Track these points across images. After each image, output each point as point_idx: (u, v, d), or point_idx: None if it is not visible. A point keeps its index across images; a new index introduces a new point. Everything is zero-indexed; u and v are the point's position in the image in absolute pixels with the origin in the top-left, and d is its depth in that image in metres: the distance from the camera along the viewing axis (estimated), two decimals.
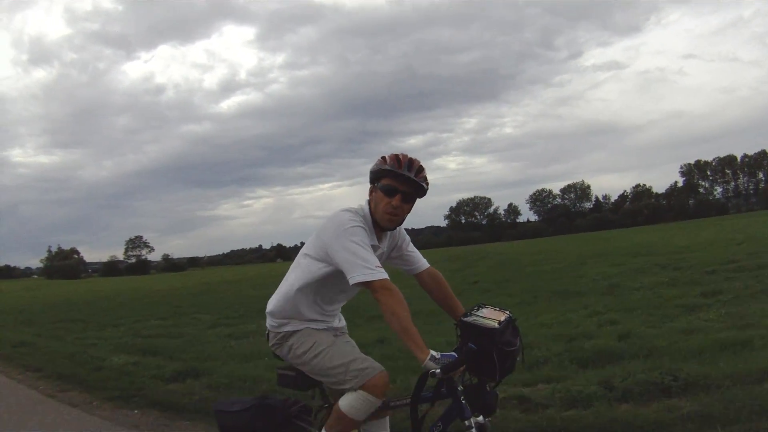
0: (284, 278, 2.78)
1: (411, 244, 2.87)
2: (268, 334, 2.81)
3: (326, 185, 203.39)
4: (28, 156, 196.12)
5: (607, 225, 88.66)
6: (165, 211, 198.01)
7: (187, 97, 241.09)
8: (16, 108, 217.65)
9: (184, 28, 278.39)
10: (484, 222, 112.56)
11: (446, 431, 2.49)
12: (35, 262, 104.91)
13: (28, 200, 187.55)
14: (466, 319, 2.42)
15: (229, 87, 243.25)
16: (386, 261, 2.78)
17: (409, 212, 2.63)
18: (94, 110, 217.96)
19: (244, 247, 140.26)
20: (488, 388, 2.45)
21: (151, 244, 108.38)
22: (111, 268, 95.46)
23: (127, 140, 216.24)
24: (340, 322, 2.91)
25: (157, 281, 40.32)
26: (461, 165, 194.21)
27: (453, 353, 2.32)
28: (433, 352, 2.27)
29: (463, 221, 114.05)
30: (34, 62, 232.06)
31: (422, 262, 2.87)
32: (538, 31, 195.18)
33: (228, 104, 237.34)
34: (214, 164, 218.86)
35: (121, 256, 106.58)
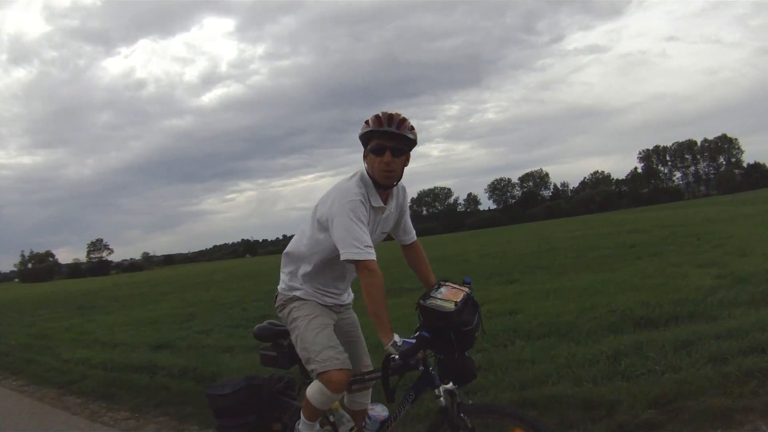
0: (295, 237, 2.85)
1: (408, 214, 2.93)
2: (276, 295, 2.88)
3: (309, 176, 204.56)
4: (11, 157, 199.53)
5: (559, 214, 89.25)
6: (150, 207, 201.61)
7: (169, 91, 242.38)
8: None
9: (164, 21, 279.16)
10: (450, 213, 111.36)
11: (418, 399, 2.63)
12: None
13: (11, 202, 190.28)
14: (423, 302, 2.42)
15: (210, 80, 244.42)
16: (394, 227, 2.85)
17: (405, 165, 2.65)
18: (75, 108, 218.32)
19: (227, 242, 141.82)
20: (459, 358, 2.46)
21: (110, 246, 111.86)
22: (74, 270, 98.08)
23: (109, 137, 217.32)
24: (348, 296, 2.96)
25: (61, 286, 42.21)
26: (444, 152, 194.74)
27: (413, 339, 2.38)
28: (396, 338, 2.39)
29: (423, 212, 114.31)
30: (14, 61, 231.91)
31: (413, 234, 2.94)
32: (520, 15, 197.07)
33: (209, 97, 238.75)
34: (197, 158, 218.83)
35: (108, 255, 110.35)
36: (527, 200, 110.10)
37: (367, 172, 2.63)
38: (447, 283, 2.57)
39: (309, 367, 2.64)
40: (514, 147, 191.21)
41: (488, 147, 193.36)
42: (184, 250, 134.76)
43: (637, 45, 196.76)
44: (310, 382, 2.70)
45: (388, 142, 2.54)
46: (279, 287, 2.88)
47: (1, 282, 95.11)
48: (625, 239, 16.66)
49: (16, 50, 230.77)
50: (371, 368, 2.91)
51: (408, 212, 2.90)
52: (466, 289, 2.53)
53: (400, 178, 2.67)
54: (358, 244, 2.43)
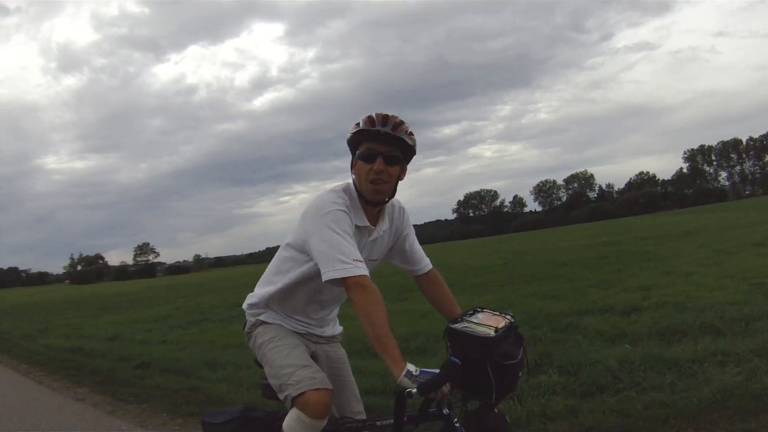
0: (264, 274, 2.38)
1: (415, 239, 2.42)
2: (245, 323, 2.41)
3: None
4: (63, 162, 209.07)
5: (603, 215, 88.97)
6: (202, 210, 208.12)
7: (220, 96, 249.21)
8: (47, 116, 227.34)
9: (213, 27, 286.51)
10: (496, 215, 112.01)
11: None
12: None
13: (64, 206, 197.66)
14: (454, 326, 1.92)
15: (261, 84, 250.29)
16: (388, 254, 2.39)
17: (399, 178, 2.17)
18: (126, 114, 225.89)
19: (279, 244, 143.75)
20: (495, 410, 1.99)
21: (157, 249, 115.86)
22: (121, 273, 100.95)
23: (161, 142, 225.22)
24: (332, 328, 2.48)
25: (102, 288, 44.09)
26: (497, 153, 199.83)
27: (436, 369, 1.81)
28: (411, 367, 1.81)
29: (470, 214, 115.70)
30: (64, 69, 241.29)
31: (425, 262, 2.42)
32: (569, 14, 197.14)
33: (261, 101, 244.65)
34: (249, 162, 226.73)
35: (155, 259, 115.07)
36: (573, 202, 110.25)
37: (354, 185, 2.16)
38: (485, 310, 2.08)
39: (282, 396, 2.12)
40: (566, 147, 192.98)
41: (541, 147, 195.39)
42: (237, 252, 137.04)
43: (686, 41, 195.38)
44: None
45: (381, 146, 2.07)
46: (246, 312, 2.41)
47: (53, 283, 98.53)
48: (555, 257, 16.88)
49: (66, 58, 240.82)
50: (363, 416, 2.37)
51: (412, 236, 2.40)
52: (509, 318, 2.03)
53: (394, 194, 2.19)
54: (345, 258, 1.94)
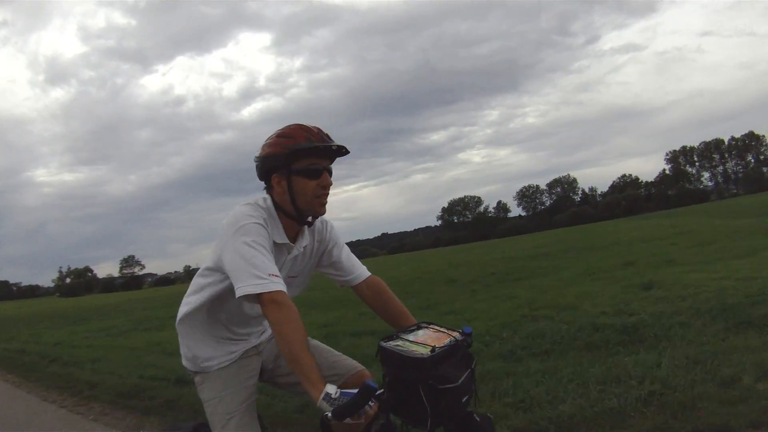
0: (184, 297, 2.22)
1: (346, 249, 2.31)
2: (186, 368, 2.28)
3: (352, 186, 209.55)
4: (52, 175, 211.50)
5: (585, 219, 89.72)
6: (193, 221, 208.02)
7: (208, 106, 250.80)
8: (36, 129, 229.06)
9: (200, 38, 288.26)
10: (479, 222, 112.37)
11: None
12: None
13: (54, 219, 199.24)
14: (386, 344, 1.74)
15: (249, 94, 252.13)
16: (318, 269, 2.30)
17: None
18: (115, 125, 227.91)
19: None
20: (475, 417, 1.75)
21: (142, 262, 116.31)
22: (108, 285, 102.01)
23: (150, 153, 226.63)
24: (263, 335, 2.34)
25: (85, 301, 44.92)
26: (486, 158, 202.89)
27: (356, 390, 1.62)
28: (330, 389, 1.67)
29: (455, 221, 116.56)
30: (52, 82, 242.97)
31: (360, 270, 2.28)
32: (555, 17, 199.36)
33: (249, 111, 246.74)
34: (238, 172, 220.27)
35: (144, 271, 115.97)
36: (557, 206, 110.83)
37: (274, 201, 2.04)
38: (431, 326, 1.89)
39: None
40: (555, 151, 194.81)
41: (530, 151, 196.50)
42: None
43: (672, 41, 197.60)
44: None
45: (324, 160, 2.01)
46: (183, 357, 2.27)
47: (43, 296, 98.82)
48: (454, 274, 16.73)
49: (53, 71, 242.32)
50: (359, 368, 2.25)
51: (341, 248, 2.28)
52: (456, 334, 1.79)
53: None
54: (260, 273, 1.83)
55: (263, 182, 2.09)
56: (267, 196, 2.09)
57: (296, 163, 1.98)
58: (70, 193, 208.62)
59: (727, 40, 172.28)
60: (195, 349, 2.21)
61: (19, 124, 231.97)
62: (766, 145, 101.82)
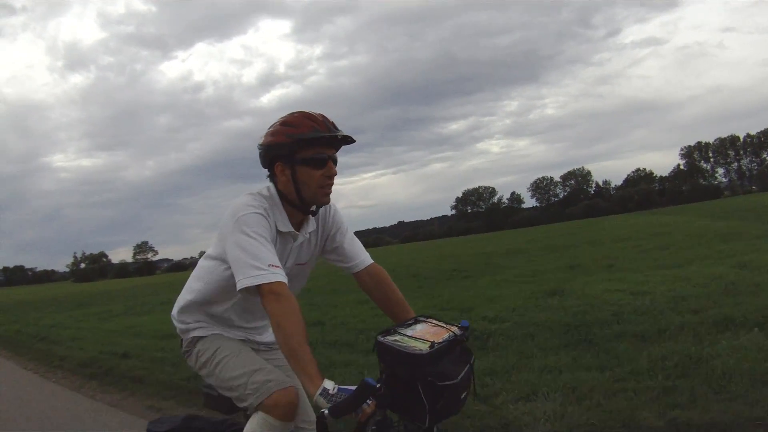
0: (187, 282, 2.28)
1: (350, 234, 2.29)
2: (181, 340, 2.30)
3: (369, 174, 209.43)
4: (70, 160, 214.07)
5: (598, 212, 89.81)
6: (210, 207, 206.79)
7: (227, 93, 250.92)
8: (55, 114, 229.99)
9: (220, 25, 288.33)
10: (492, 212, 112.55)
11: None
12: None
13: (71, 204, 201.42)
14: (384, 338, 1.71)
15: (268, 81, 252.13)
16: (321, 255, 2.30)
17: None
18: (134, 111, 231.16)
19: None
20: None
21: (155, 248, 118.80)
22: (122, 271, 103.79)
23: (169, 139, 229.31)
24: (265, 335, 2.36)
25: (97, 286, 46.58)
26: (504, 148, 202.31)
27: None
28: (328, 384, 1.65)
29: (468, 211, 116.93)
30: (71, 68, 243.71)
31: (363, 257, 2.27)
32: (576, 9, 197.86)
33: (268, 98, 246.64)
34: (256, 158, 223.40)
35: (160, 257, 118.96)
36: (570, 199, 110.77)
37: (278, 189, 2.05)
38: (429, 320, 1.87)
39: (243, 405, 2.05)
40: (573, 142, 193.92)
41: (548, 143, 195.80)
42: None
43: (693, 36, 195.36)
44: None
45: (330, 149, 2.00)
46: (177, 328, 2.31)
47: (59, 281, 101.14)
48: (417, 268, 17.40)
49: (72, 57, 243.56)
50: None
51: (345, 232, 2.26)
52: (455, 329, 1.79)
53: None
54: (260, 264, 1.83)
55: (266, 170, 2.09)
56: (270, 184, 2.09)
57: (301, 153, 1.97)
58: (87, 179, 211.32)
59: (749, 37, 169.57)
60: (200, 319, 2.23)
61: (38, 110, 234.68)
62: None
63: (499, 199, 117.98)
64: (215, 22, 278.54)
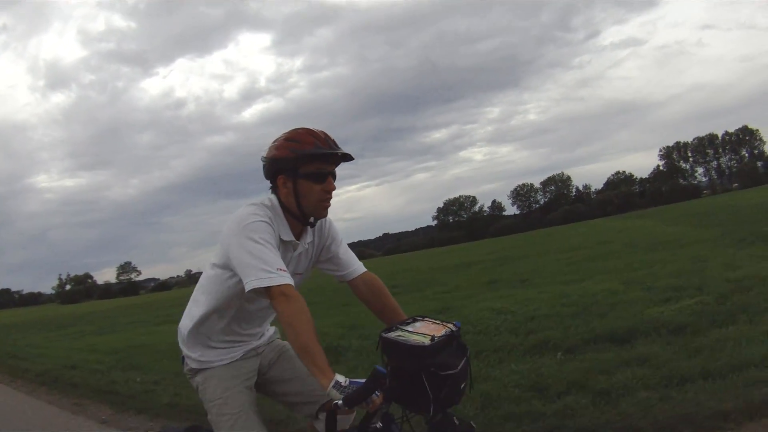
0: (192, 295, 2.37)
1: (344, 245, 2.43)
2: (182, 358, 2.40)
3: (353, 186, 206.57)
4: (53, 180, 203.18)
5: (578, 217, 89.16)
6: (195, 224, 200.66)
7: (209, 108, 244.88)
8: (37, 134, 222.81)
9: (200, 40, 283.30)
10: (473, 221, 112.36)
11: None
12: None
13: (56, 225, 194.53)
14: (387, 334, 1.89)
15: (249, 95, 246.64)
16: (316, 265, 2.41)
17: None
18: (116, 130, 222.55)
19: None
20: (455, 421, 1.88)
21: (138, 268, 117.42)
22: (106, 292, 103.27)
23: (152, 157, 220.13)
24: (268, 333, 2.50)
25: (79, 308, 47.71)
26: (487, 156, 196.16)
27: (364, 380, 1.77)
28: (339, 377, 1.80)
29: (450, 221, 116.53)
30: (52, 87, 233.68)
31: (356, 266, 2.40)
32: (555, 12, 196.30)
33: (250, 113, 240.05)
34: (240, 174, 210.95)
35: (145, 276, 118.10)
36: (552, 204, 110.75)
37: (280, 201, 2.17)
38: (425, 319, 2.04)
39: None
40: (556, 147, 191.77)
41: (531, 148, 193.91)
42: None
43: (673, 35, 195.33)
44: None
45: (330, 165, 2.13)
46: (181, 347, 2.40)
47: (45, 303, 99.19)
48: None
49: (54, 76, 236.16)
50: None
51: (340, 243, 2.39)
52: (450, 326, 1.96)
53: None
54: (268, 268, 1.94)
55: (268, 181, 2.19)
56: (272, 196, 2.19)
57: (303, 167, 2.08)
58: (71, 199, 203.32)
59: (728, 33, 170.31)
60: (199, 349, 2.31)
61: (20, 130, 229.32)
62: (760, 139, 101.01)
63: (480, 208, 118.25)
64: (196, 36, 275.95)
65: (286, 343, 2.49)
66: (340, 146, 2.14)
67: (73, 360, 9.85)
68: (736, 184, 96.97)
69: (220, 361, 2.33)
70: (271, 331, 2.55)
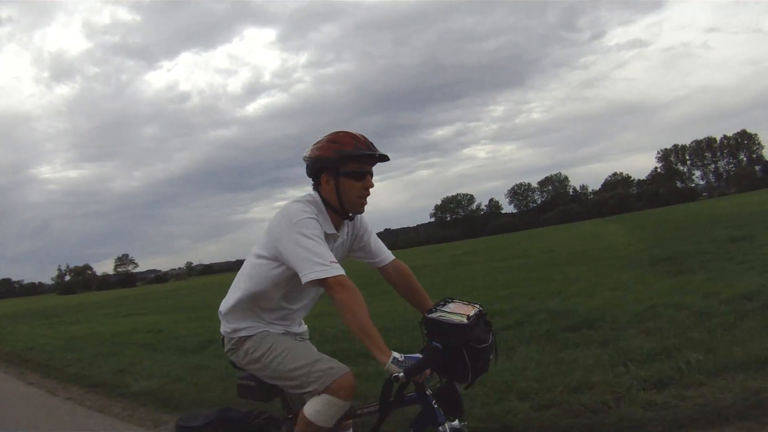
0: (235, 281, 2.53)
1: (374, 235, 2.66)
2: (222, 339, 2.57)
3: None
4: (57, 172, 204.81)
5: (574, 217, 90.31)
6: (198, 217, 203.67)
7: (213, 102, 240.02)
8: (41, 125, 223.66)
9: (205, 33, 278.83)
10: (469, 219, 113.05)
11: None
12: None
13: (59, 216, 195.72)
14: (430, 315, 2.18)
15: (254, 90, 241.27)
16: (348, 254, 2.63)
17: None
18: (120, 122, 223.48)
19: None
20: (459, 390, 2.25)
21: (136, 260, 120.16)
22: (104, 283, 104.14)
23: (155, 149, 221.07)
24: (300, 327, 2.68)
25: (74, 299, 49.44)
26: (490, 153, 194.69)
27: (418, 354, 2.07)
28: (396, 354, 2.05)
29: (448, 219, 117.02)
30: (56, 78, 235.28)
31: (386, 254, 2.65)
32: (561, 12, 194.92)
33: (254, 107, 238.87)
34: (244, 168, 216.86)
35: (146, 268, 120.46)
36: (548, 204, 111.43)
37: (321, 197, 2.38)
38: (455, 300, 2.33)
39: (304, 391, 2.35)
40: (560, 146, 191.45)
41: (535, 147, 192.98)
42: (232, 258, 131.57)
43: (679, 37, 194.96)
44: (293, 416, 2.48)
45: (368, 165, 2.36)
46: (222, 329, 2.56)
47: (46, 293, 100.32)
48: None
49: (58, 67, 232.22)
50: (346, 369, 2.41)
51: (371, 234, 2.63)
52: (478, 306, 2.28)
53: None
54: (323, 261, 2.14)
55: (311, 178, 2.44)
56: (314, 192, 2.42)
57: (344, 166, 2.31)
58: (74, 190, 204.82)
59: (734, 36, 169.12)
60: (248, 320, 2.49)
61: (24, 121, 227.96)
62: (758, 143, 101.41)
63: (478, 206, 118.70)
64: (200, 30, 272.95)
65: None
66: (377, 148, 2.38)
67: (34, 343, 11.26)
68: (732, 189, 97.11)
69: (274, 329, 2.51)
70: (304, 326, 2.75)
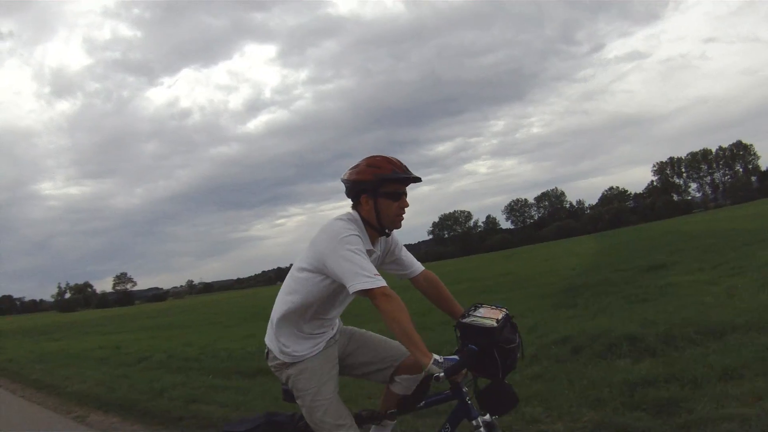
0: (279, 296, 2.70)
1: (404, 249, 2.84)
2: (267, 352, 2.75)
3: None
4: (58, 188, 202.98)
5: (570, 233, 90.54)
6: (199, 234, 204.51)
7: (214, 119, 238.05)
8: (42, 141, 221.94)
9: (206, 50, 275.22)
10: (466, 236, 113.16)
11: None
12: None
13: (60, 232, 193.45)
14: (464, 320, 2.40)
15: (254, 106, 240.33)
16: (380, 266, 2.75)
17: None
18: (121, 138, 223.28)
19: (279, 266, 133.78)
20: (500, 384, 2.41)
21: (134, 279, 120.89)
22: (102, 301, 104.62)
23: (156, 166, 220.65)
24: (333, 329, 2.83)
25: (70, 317, 51.27)
26: (491, 169, 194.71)
27: (455, 356, 2.28)
28: (436, 356, 2.23)
29: (445, 236, 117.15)
30: (57, 94, 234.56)
31: (417, 265, 2.84)
32: (559, 26, 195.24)
33: (255, 124, 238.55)
34: (245, 185, 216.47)
35: (131, 287, 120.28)
36: (546, 220, 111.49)
37: (360, 215, 2.58)
38: (484, 305, 2.54)
39: None
40: (560, 160, 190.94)
41: (536, 161, 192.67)
42: (233, 276, 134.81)
43: (677, 48, 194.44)
44: None
45: (402, 186, 2.56)
46: (267, 341, 2.75)
47: (47, 311, 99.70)
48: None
49: (59, 83, 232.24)
50: (406, 354, 2.74)
51: (401, 247, 2.81)
52: (505, 310, 2.49)
53: None
54: (368, 273, 2.33)
55: (351, 199, 2.63)
56: (353, 211, 2.61)
57: (382, 188, 2.51)
58: (75, 207, 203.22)
59: (731, 47, 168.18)
60: (291, 343, 2.66)
61: (25, 137, 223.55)
62: (754, 154, 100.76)
63: (475, 223, 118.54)
64: (201, 47, 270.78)
65: (350, 327, 2.95)
66: (411, 171, 2.57)
67: (15, 356, 12.62)
68: (726, 201, 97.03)
69: (310, 353, 2.66)
70: (339, 322, 2.90)
